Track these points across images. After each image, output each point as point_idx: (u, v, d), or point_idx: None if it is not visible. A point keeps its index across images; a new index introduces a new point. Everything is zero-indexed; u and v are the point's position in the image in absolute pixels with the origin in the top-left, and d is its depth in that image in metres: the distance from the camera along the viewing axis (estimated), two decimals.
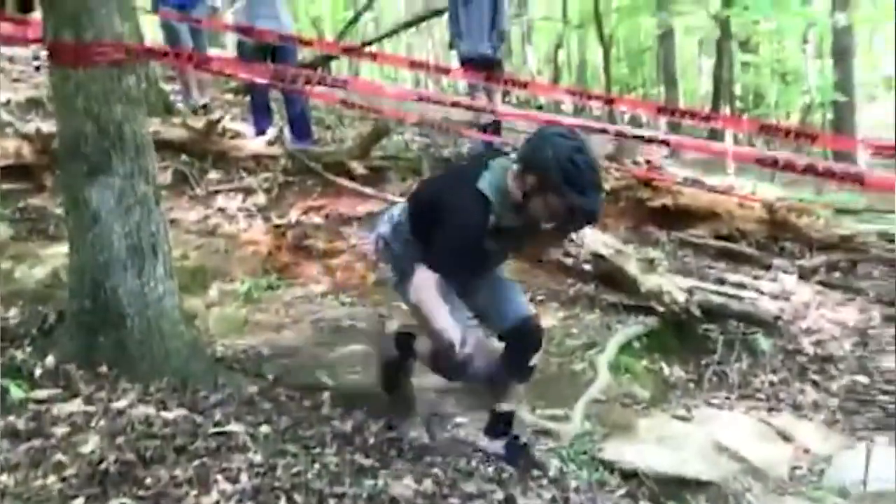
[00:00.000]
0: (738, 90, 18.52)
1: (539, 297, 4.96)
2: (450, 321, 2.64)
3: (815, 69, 19.09)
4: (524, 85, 6.86)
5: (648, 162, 6.56)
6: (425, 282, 2.69)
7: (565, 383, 3.99)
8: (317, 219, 5.80)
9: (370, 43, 11.44)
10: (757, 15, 12.76)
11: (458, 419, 3.41)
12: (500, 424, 3.14)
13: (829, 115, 16.87)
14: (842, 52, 14.85)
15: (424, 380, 3.75)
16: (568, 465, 3.19)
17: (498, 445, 3.10)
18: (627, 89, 21.01)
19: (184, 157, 6.33)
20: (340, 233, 5.65)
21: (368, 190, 5.99)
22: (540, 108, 15.89)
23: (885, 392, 4.37)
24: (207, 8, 7.19)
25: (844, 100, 14.41)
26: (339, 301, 4.89)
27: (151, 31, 9.98)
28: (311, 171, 6.25)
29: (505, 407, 3.15)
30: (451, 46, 7.26)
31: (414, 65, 6.29)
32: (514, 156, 2.85)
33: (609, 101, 5.37)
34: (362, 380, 3.66)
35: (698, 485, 3.18)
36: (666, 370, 4.33)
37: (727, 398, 4.20)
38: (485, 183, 2.76)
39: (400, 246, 2.98)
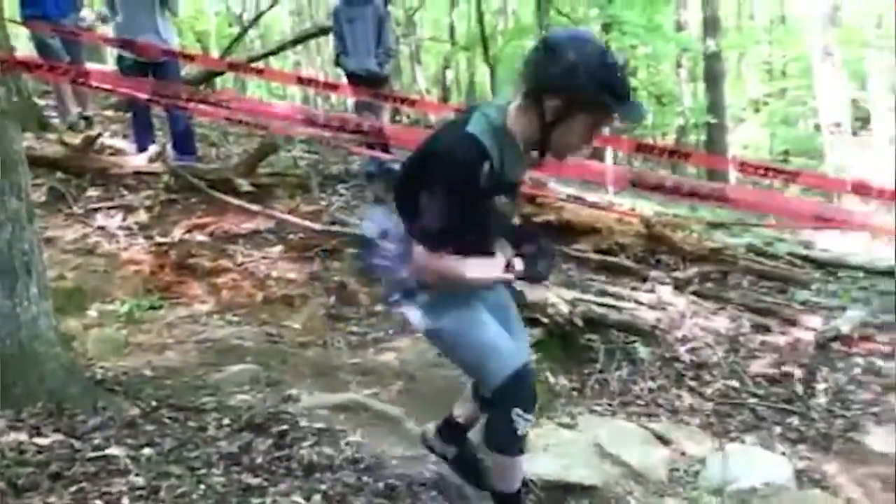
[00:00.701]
0: None
1: None
2: (476, 262, 2.30)
3: (688, 92, 20.13)
4: (413, 102, 6.97)
5: (533, 179, 6.73)
6: (426, 257, 2.25)
7: (453, 397, 4.04)
8: (201, 237, 5.68)
9: (256, 59, 11.31)
10: (634, 40, 13.35)
11: (351, 437, 3.40)
12: (455, 433, 2.90)
13: (703, 136, 17.77)
14: (713, 77, 15.70)
15: (315, 399, 3.74)
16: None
17: (449, 451, 2.91)
18: None
19: (60, 174, 6.09)
20: (226, 251, 5.55)
21: (254, 207, 5.91)
22: (429, 127, 16.05)
23: (755, 395, 4.63)
24: (90, 17, 6.92)
25: (715, 121, 15.23)
26: (226, 320, 4.80)
27: (24, 43, 9.56)
28: (195, 188, 6.12)
29: (460, 419, 2.89)
30: (337, 64, 7.29)
31: (302, 81, 6.30)
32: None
33: None
34: (250, 399, 3.60)
35: (583, 489, 3.29)
36: (551, 379, 4.44)
37: (609, 405, 4.35)
38: (474, 126, 2.22)
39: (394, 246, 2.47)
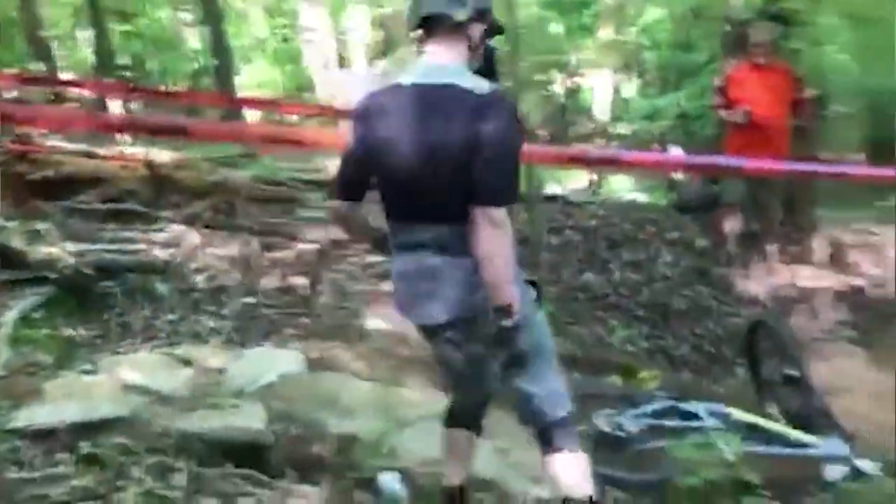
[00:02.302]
0: (124, 59, 18.40)
1: None
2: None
3: (195, 37, 20.01)
4: None
5: (22, 135, 6.32)
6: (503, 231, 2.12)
7: None
8: None
9: None
10: None
11: None
12: None
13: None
14: (211, 19, 15.88)
15: None
16: None
17: None
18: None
19: None
20: None
21: None
22: None
23: (269, 306, 5.15)
24: None
25: (220, 63, 15.50)
26: None
27: None
28: None
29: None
30: None
31: None
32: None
33: None
34: None
35: (110, 423, 3.43)
36: (70, 332, 4.43)
37: (132, 343, 4.49)
38: (474, 82, 2.19)
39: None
